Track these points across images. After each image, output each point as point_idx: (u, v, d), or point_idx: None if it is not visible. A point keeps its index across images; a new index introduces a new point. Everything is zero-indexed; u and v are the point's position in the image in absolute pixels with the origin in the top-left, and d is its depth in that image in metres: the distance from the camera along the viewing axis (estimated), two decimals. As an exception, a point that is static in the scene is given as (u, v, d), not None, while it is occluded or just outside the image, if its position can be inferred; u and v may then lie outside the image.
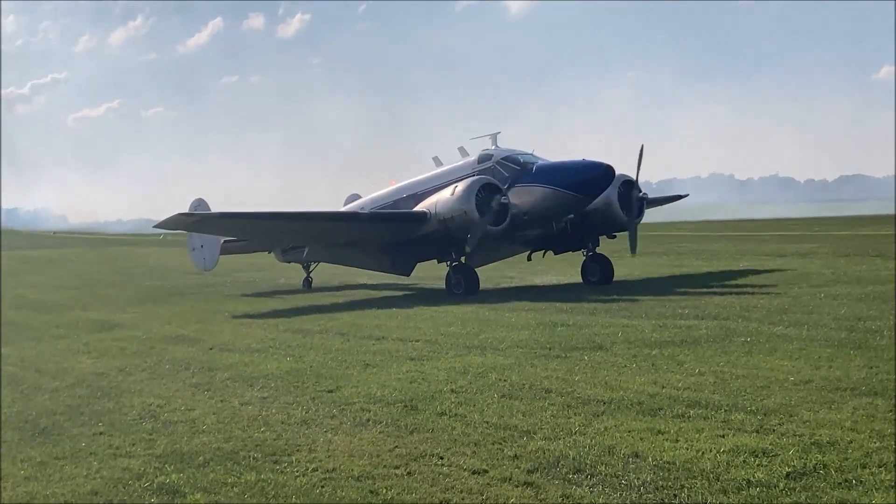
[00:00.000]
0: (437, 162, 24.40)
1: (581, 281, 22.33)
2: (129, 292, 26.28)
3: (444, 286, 21.53)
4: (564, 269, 25.71)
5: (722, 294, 17.51)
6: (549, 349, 11.70)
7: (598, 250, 22.54)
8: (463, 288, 20.81)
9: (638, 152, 21.92)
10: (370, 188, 26.98)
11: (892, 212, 77.17)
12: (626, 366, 10.28)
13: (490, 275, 24.54)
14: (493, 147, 22.64)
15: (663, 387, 9.04)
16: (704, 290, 18.74)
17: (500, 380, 9.82)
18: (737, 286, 19.43)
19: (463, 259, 21.73)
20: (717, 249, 34.92)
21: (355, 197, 27.54)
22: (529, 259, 25.04)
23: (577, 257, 23.09)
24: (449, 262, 21.80)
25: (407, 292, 23.24)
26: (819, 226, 54.83)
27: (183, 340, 14.65)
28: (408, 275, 24.21)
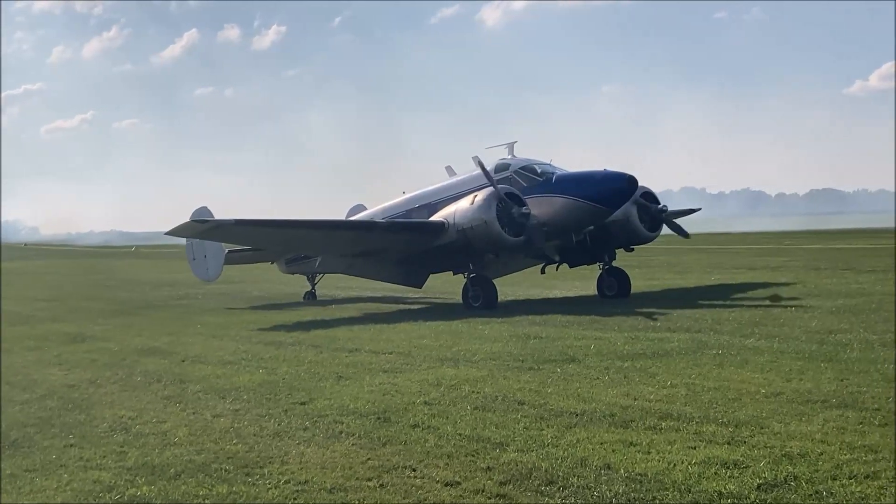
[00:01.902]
0: (451, 171, 23.68)
1: (596, 294, 21.84)
2: (102, 304, 26.07)
3: (439, 299, 20.97)
4: (548, 281, 25.79)
5: (693, 307, 17.64)
6: (522, 361, 11.72)
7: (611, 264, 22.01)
8: (481, 301, 19.94)
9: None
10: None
11: (863, 226, 78.27)
12: (598, 378, 10.32)
13: (510, 289, 24.04)
14: (510, 156, 21.94)
15: (635, 399, 9.08)
16: (676, 302, 18.85)
17: (472, 392, 9.82)
18: (708, 299, 19.56)
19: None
20: (688, 262, 35.18)
21: (360, 208, 26.74)
22: (543, 272, 23.98)
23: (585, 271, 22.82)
24: (466, 274, 20.89)
25: (404, 306, 22.50)
26: (790, 239, 55.39)
27: (155, 352, 14.55)
28: (420, 287, 23.37)
